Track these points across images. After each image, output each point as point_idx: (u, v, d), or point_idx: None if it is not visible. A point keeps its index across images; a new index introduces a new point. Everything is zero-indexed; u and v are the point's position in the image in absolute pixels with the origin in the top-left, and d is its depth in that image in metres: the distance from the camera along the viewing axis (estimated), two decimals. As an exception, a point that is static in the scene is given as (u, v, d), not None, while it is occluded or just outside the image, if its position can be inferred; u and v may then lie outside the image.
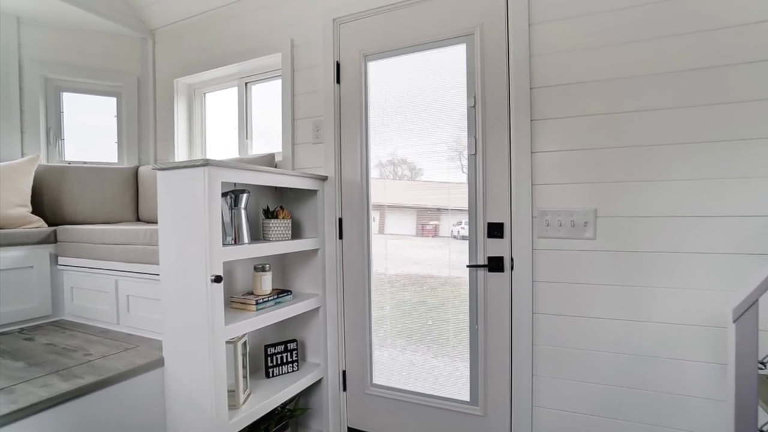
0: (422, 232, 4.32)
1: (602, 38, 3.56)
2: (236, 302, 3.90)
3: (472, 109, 4.01)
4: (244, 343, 3.75)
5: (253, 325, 3.66)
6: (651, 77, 3.41)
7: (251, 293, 4.03)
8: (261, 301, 3.88)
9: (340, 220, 4.56)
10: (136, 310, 4.21)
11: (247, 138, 5.61)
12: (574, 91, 3.65)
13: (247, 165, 3.54)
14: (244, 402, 3.70)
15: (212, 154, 5.97)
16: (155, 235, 3.98)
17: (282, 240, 4.15)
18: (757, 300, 2.35)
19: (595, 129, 3.58)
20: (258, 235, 4.32)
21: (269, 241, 4.06)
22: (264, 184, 3.85)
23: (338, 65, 4.58)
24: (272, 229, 4.12)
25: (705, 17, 3.26)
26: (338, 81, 4.57)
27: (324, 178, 4.52)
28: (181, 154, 5.95)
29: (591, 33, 3.60)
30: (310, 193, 4.55)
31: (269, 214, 4.21)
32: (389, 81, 4.38)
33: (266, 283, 4.02)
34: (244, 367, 3.75)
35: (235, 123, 5.72)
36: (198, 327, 3.30)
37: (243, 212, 3.80)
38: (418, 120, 4.25)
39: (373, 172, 4.46)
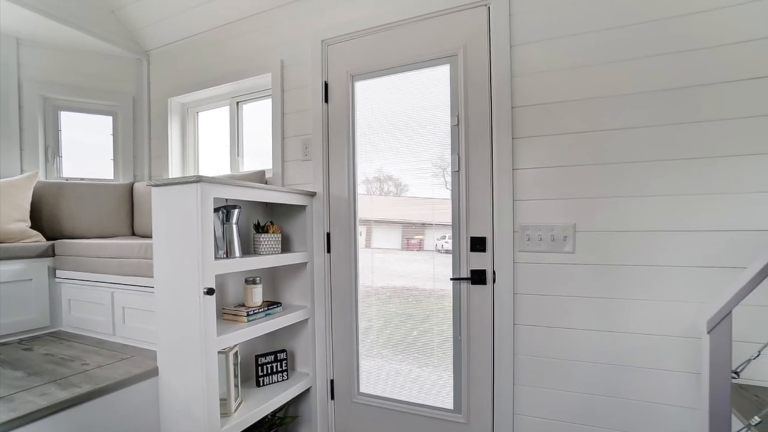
0: (407, 246, 4.36)
1: (582, 59, 3.62)
2: (228, 314, 3.94)
3: (455, 128, 4.06)
4: (236, 353, 3.78)
5: (244, 336, 3.70)
6: (629, 96, 3.47)
7: (242, 305, 4.07)
8: (252, 312, 3.92)
9: (328, 235, 4.60)
10: (131, 322, 4.24)
11: (238, 155, 5.65)
12: (554, 110, 3.70)
13: (239, 181, 3.58)
14: (235, 410, 3.74)
15: (205, 171, 6.00)
16: (150, 249, 4.02)
17: (272, 254, 4.19)
18: (730, 312, 2.40)
19: (575, 147, 3.63)
20: (249, 249, 4.36)
21: (260, 254, 4.09)
22: (255, 200, 3.89)
23: (326, 85, 4.62)
24: (263, 243, 4.16)
25: (680, 39, 3.32)
26: (326, 100, 4.61)
27: (313, 194, 4.56)
28: (174, 171, 5.98)
29: (571, 54, 3.65)
30: (299, 209, 4.60)
31: (260, 228, 4.25)
32: (376, 100, 4.42)
33: (257, 295, 4.06)
34: (236, 376, 3.78)
35: (226, 141, 5.76)
36: (191, 338, 3.34)
37: (234, 227, 3.84)
38: (404, 138, 4.30)
39: (360, 188, 4.50)
